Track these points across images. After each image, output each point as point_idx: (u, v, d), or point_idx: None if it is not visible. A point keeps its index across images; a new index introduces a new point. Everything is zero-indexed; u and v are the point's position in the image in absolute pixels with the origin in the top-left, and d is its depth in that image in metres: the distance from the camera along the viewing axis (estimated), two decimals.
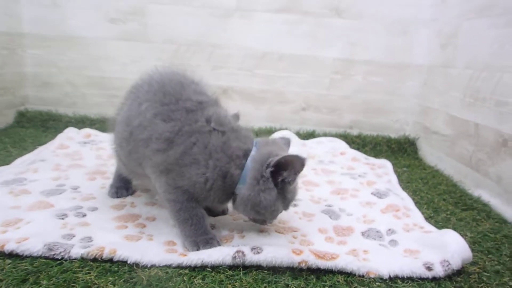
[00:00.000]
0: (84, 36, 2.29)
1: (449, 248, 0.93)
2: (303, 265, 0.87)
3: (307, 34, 2.29)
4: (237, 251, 0.88)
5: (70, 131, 2.01)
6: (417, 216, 1.23)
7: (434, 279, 0.89)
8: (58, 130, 2.13)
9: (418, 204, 1.38)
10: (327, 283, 0.85)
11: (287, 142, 1.10)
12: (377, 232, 1.09)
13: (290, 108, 2.39)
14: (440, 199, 1.45)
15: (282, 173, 0.95)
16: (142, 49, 2.31)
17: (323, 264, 0.87)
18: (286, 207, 1.02)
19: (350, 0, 2.23)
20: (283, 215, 1.19)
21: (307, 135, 2.34)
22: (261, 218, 1.01)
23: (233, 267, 0.88)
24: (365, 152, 2.11)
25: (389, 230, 1.10)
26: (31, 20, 2.25)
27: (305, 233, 1.06)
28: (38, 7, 2.23)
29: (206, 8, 2.25)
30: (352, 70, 2.33)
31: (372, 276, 0.88)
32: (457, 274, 0.92)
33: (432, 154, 2.03)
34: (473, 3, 1.70)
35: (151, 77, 1.10)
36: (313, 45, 2.30)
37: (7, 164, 1.52)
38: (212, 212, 1.17)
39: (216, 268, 0.88)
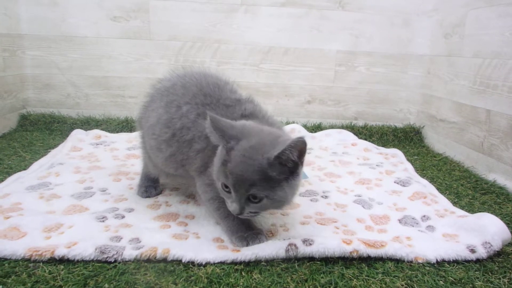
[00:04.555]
0: (86, 35, 2.24)
1: (489, 230, 0.96)
2: (354, 254, 0.89)
3: (311, 27, 2.31)
4: (290, 244, 0.90)
5: (78, 133, 1.98)
6: (444, 202, 1.27)
7: (478, 261, 0.93)
8: (64, 132, 2.11)
9: (439, 190, 1.41)
10: (379, 270, 0.88)
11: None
12: (413, 219, 1.12)
13: (296, 101, 2.41)
14: (458, 185, 1.50)
15: None
16: (146, 47, 2.28)
17: (373, 252, 0.90)
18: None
19: None
20: (319, 207, 1.21)
21: (314, 128, 2.36)
22: None
23: (286, 260, 0.90)
24: (373, 142, 2.14)
25: (424, 216, 1.13)
26: (30, 20, 2.18)
27: (345, 223, 1.09)
28: (36, 6, 2.17)
29: (211, 3, 2.24)
30: (356, 61, 2.36)
31: (420, 261, 0.91)
32: (497, 255, 0.96)
33: (439, 142, 2.08)
34: None
35: (183, 79, 1.12)
36: (317, 38, 2.32)
37: (24, 169, 1.49)
38: None
39: (269, 262, 0.89)
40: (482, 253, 0.93)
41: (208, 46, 2.30)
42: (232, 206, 0.88)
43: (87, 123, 2.23)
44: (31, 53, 2.24)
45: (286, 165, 0.86)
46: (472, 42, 1.81)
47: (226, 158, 0.87)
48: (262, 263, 0.89)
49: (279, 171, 0.85)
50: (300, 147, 0.84)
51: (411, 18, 2.29)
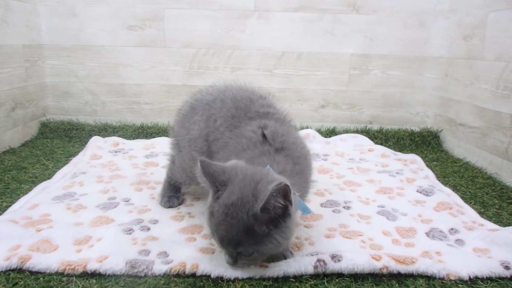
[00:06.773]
0: (103, 44, 2.27)
1: None
2: (384, 270, 0.88)
3: (324, 31, 2.29)
4: (318, 260, 0.89)
5: (97, 140, 2.00)
6: (471, 213, 1.24)
7: None
8: (82, 139, 2.14)
9: (463, 199, 1.39)
10: (411, 287, 0.87)
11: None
12: (441, 232, 1.10)
13: (309, 106, 2.40)
14: (483, 193, 1.47)
15: None
16: (161, 55, 2.30)
17: (404, 268, 0.88)
18: None
19: None
20: (342, 219, 1.20)
21: (328, 132, 2.34)
22: None
23: (314, 276, 0.89)
24: (389, 147, 2.11)
25: (452, 229, 1.11)
26: (50, 31, 2.24)
27: (370, 236, 1.07)
28: (56, 17, 2.22)
29: (224, 10, 2.24)
30: (370, 65, 2.34)
31: (452, 278, 0.89)
32: None
33: (459, 146, 2.05)
34: None
35: (223, 94, 1.14)
36: (331, 42, 2.31)
37: (48, 178, 1.52)
38: None
39: (298, 278, 0.89)
40: None
41: (222, 52, 2.31)
42: (226, 257, 0.87)
43: (104, 130, 2.26)
44: (51, 63, 2.28)
45: (274, 213, 0.80)
46: (493, 45, 1.78)
47: (213, 209, 0.84)
48: (291, 279, 0.88)
49: (267, 222, 0.80)
50: (283, 191, 0.77)
51: (426, 19, 2.26)
